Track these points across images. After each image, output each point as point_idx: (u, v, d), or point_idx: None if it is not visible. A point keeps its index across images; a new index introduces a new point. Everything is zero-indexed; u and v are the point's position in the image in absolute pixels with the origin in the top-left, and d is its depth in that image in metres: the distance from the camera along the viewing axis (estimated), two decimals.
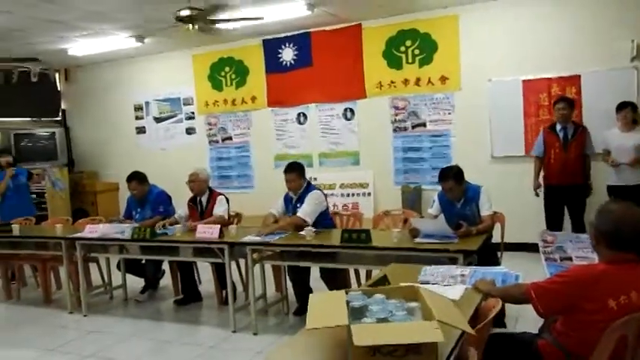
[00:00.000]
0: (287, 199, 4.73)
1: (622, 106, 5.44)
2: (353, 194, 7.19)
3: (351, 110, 7.29)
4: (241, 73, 7.91)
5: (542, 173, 5.72)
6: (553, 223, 5.31)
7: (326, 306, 2.01)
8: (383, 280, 2.71)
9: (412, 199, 6.61)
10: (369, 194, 7.11)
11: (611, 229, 2.14)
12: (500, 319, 3.83)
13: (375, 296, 2.05)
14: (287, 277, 4.81)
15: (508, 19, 6.33)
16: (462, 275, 2.70)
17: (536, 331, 2.51)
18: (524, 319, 3.82)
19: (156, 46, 7.72)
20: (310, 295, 2.14)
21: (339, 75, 7.22)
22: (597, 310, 2.07)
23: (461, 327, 1.78)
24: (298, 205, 4.57)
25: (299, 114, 7.61)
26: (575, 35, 6.04)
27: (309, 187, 4.67)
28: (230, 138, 8.14)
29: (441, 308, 1.88)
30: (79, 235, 4.99)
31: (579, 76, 6.04)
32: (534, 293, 2.20)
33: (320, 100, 7.44)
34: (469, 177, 4.43)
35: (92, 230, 4.93)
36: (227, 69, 8.00)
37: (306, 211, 4.43)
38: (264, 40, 7.66)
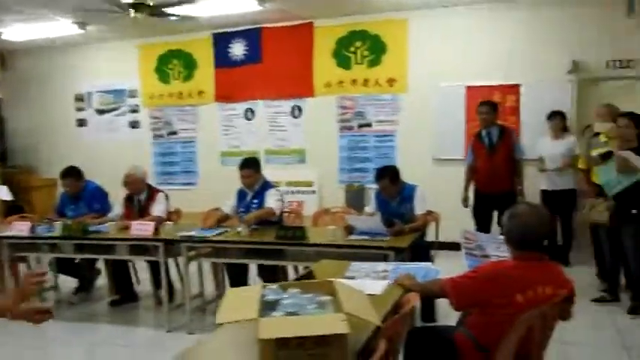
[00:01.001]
0: (241, 195, 4.64)
1: (552, 116, 5.68)
2: (298, 192, 7.18)
3: (299, 108, 7.28)
4: (189, 66, 7.77)
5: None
6: (482, 229, 5.28)
7: (239, 300, 1.99)
8: (308, 276, 2.71)
9: (356, 198, 6.66)
10: (314, 192, 7.13)
11: (518, 231, 2.25)
12: (430, 313, 3.92)
13: (289, 290, 2.04)
14: (225, 275, 4.75)
15: (455, 26, 6.47)
16: (385, 271, 2.73)
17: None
18: (456, 314, 3.91)
19: (99, 34, 7.48)
20: (227, 290, 2.12)
21: (288, 72, 7.20)
22: (506, 305, 2.15)
23: (368, 319, 1.80)
24: (255, 202, 4.52)
25: (247, 110, 7.55)
26: (517, 46, 6.24)
27: (267, 184, 4.63)
28: (175, 133, 7.98)
29: (352, 301, 1.89)
30: (5, 233, 4.72)
31: (519, 85, 6.25)
32: (450, 288, 2.27)
33: (268, 96, 7.40)
34: (411, 177, 4.52)
35: (20, 228, 4.70)
36: (175, 62, 7.84)
37: (275, 204, 4.40)
38: (214, 34, 7.55)
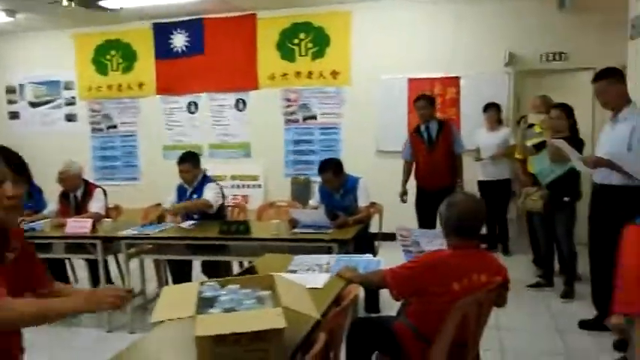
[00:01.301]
0: (181, 191, 4.56)
1: (487, 107, 5.86)
2: (243, 186, 7.10)
3: (243, 101, 7.19)
4: (128, 57, 7.52)
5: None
6: (425, 224, 5.24)
7: (176, 298, 1.94)
8: (250, 271, 2.68)
9: (302, 191, 6.66)
10: (260, 186, 7.07)
11: (456, 219, 2.31)
12: (374, 304, 3.96)
13: (228, 286, 2.00)
14: (168, 272, 4.64)
15: (398, 19, 6.55)
16: (327, 264, 2.74)
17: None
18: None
19: (31, 22, 7.11)
20: (164, 287, 2.06)
21: (231, 64, 7.09)
22: (443, 292, 2.20)
23: (307, 313, 1.78)
24: (194, 197, 4.43)
25: (190, 103, 7.38)
26: (458, 39, 6.39)
27: (206, 179, 4.54)
28: (115, 126, 7.71)
29: (291, 295, 1.87)
30: None
31: (459, 77, 6.40)
32: (389, 278, 2.30)
33: (212, 89, 7.26)
34: (356, 169, 4.54)
35: None
36: (113, 52, 7.57)
37: (210, 196, 4.34)
38: (154, 24, 7.33)
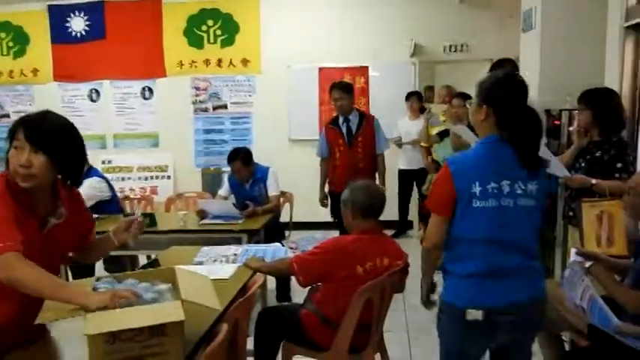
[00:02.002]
0: None
1: (409, 96, 6.00)
2: (152, 177, 6.84)
3: (150, 89, 6.90)
4: (20, 41, 6.96)
5: None
6: (343, 230, 4.62)
7: None
8: (153, 265, 2.58)
9: (213, 182, 6.51)
10: (169, 177, 6.84)
11: (362, 201, 2.36)
12: (285, 293, 3.97)
13: (125, 281, 1.91)
14: (67, 269, 4.37)
15: (307, 7, 6.54)
16: (235, 254, 2.70)
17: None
18: None
19: None
20: None
21: (135, 51, 6.77)
22: (347, 277, 2.24)
23: (208, 305, 1.75)
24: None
25: (91, 90, 6.97)
26: (365, 29, 6.48)
27: (91, 171, 4.28)
28: (7, 115, 7.11)
29: (193, 288, 1.82)
30: None
31: (367, 67, 6.53)
32: (296, 266, 2.31)
33: (115, 76, 6.90)
34: (268, 159, 4.50)
35: None
36: (2, 35, 6.98)
37: (85, 192, 4.05)
38: (49, 6, 6.84)
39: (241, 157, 4.10)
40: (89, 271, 4.19)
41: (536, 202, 1.86)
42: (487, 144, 1.86)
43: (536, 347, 2.74)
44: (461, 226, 1.81)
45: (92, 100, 6.99)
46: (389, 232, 5.74)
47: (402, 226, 6.10)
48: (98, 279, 1.96)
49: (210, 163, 6.83)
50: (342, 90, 4.35)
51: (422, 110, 5.95)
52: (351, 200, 2.39)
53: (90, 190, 4.04)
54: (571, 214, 2.99)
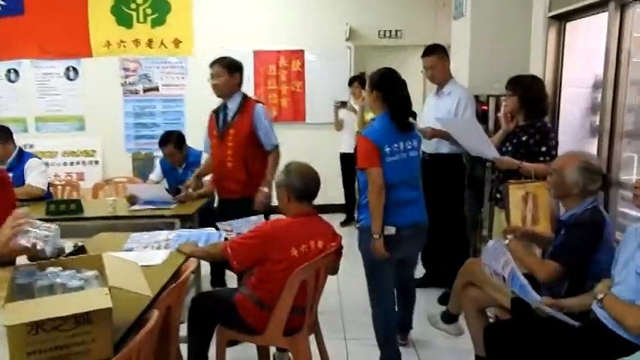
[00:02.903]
0: None
1: (352, 81, 5.97)
2: (78, 162, 6.53)
3: (75, 69, 6.55)
4: None
5: None
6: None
7: None
8: (79, 252, 2.47)
9: (144, 167, 6.31)
10: (97, 162, 6.55)
11: (299, 183, 2.36)
12: (220, 278, 3.92)
13: (48, 269, 1.82)
14: None
15: None
16: (167, 240, 2.63)
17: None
18: None
19: None
20: None
21: (58, 28, 6.38)
22: (283, 259, 2.24)
23: (137, 291, 1.69)
24: (10, 176, 3.90)
25: (9, 70, 6.53)
26: (301, 13, 6.44)
27: (24, 155, 4.04)
28: None
29: (120, 274, 1.76)
30: None
31: (303, 51, 6.50)
32: (230, 250, 2.28)
33: (35, 55, 6.49)
34: (201, 143, 4.36)
35: None
36: None
37: (39, 180, 3.90)
38: None
39: (174, 140, 3.99)
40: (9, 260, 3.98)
41: (417, 152, 2.77)
42: (384, 118, 2.67)
43: (463, 322, 2.88)
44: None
45: (10, 81, 6.55)
46: (339, 219, 5.86)
47: (350, 210, 6.12)
48: (17, 268, 1.85)
49: (141, 147, 6.60)
50: (221, 65, 3.41)
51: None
52: (285, 184, 2.37)
53: (44, 175, 3.89)
54: (498, 196, 3.12)
